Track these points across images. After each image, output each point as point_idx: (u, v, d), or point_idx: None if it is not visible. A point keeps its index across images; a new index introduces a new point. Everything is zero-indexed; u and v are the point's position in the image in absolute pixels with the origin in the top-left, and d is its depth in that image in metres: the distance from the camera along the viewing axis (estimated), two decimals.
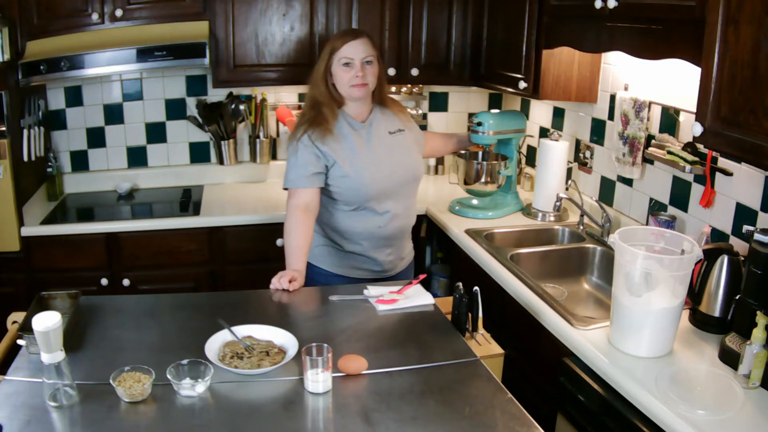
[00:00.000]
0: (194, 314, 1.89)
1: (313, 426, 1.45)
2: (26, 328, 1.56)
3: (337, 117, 2.25)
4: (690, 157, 2.15)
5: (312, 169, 2.20)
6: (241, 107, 3.33)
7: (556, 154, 2.74)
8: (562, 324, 1.89)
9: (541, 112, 3.23)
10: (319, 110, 2.23)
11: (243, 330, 1.72)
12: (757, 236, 1.65)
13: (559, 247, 2.57)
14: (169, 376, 1.48)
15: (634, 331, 1.69)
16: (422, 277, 2.08)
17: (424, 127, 3.63)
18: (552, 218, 2.80)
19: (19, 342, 1.64)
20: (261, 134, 3.40)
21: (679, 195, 2.31)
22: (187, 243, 2.92)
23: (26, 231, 2.75)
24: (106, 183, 3.33)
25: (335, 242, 2.34)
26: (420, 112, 3.57)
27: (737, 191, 2.04)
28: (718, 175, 2.10)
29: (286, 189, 2.26)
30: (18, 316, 1.80)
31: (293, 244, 2.18)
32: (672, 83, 2.29)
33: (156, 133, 3.38)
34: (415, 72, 3.12)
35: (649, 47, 1.95)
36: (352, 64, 2.18)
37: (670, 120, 2.33)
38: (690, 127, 1.76)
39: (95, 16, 2.80)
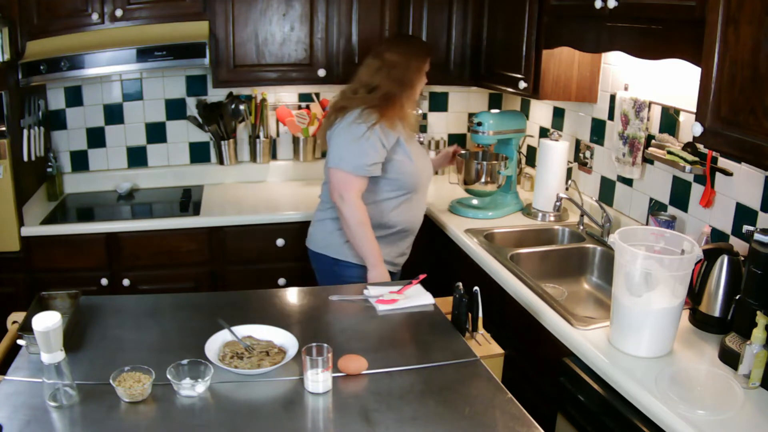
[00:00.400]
0: (194, 314, 1.89)
1: (313, 426, 1.45)
2: (26, 328, 1.56)
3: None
4: (690, 157, 2.15)
5: (377, 158, 2.31)
6: (241, 107, 3.33)
7: (556, 154, 2.74)
8: (562, 324, 1.89)
9: (541, 112, 3.23)
10: (392, 103, 2.34)
11: (243, 330, 1.72)
12: (757, 236, 1.65)
13: (559, 247, 2.56)
14: (169, 376, 1.48)
15: (634, 331, 1.69)
16: (422, 277, 2.08)
17: (424, 128, 3.64)
18: (552, 218, 2.80)
19: (19, 342, 1.64)
20: (261, 134, 3.41)
21: (679, 195, 2.31)
22: (187, 243, 2.92)
23: (26, 231, 2.75)
24: (106, 183, 3.33)
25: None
26: (420, 112, 3.57)
27: (737, 191, 2.04)
28: (718, 175, 2.10)
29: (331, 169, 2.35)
30: (18, 316, 1.80)
31: (377, 243, 2.35)
32: (672, 83, 2.29)
33: (156, 133, 3.38)
34: None
35: (649, 47, 1.95)
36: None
37: (670, 120, 2.33)
38: (690, 127, 1.76)
39: (95, 16, 2.80)
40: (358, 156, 2.28)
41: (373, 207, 2.39)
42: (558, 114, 3.07)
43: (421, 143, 3.44)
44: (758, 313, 1.54)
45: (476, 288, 1.88)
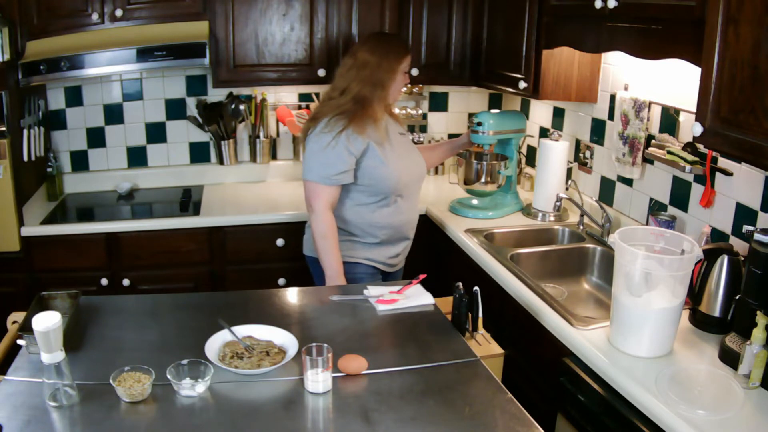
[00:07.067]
0: (194, 314, 1.89)
1: (313, 426, 1.45)
2: (26, 328, 1.56)
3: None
4: (690, 157, 2.15)
5: (344, 166, 2.27)
6: (241, 107, 3.33)
7: (556, 154, 2.74)
8: (562, 324, 1.89)
9: (541, 112, 3.23)
10: (363, 105, 2.29)
11: (243, 330, 1.72)
12: (757, 236, 1.65)
13: (559, 247, 2.56)
14: (169, 376, 1.48)
15: (634, 331, 1.69)
16: (422, 277, 2.08)
17: (424, 128, 3.65)
18: (552, 218, 2.80)
19: (19, 342, 1.64)
20: (261, 134, 3.41)
21: (679, 195, 2.31)
22: (187, 243, 2.92)
23: (26, 231, 2.75)
24: (106, 183, 3.33)
25: (352, 233, 2.42)
26: (420, 112, 3.57)
27: (737, 191, 2.04)
28: (718, 175, 2.10)
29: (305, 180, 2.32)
30: (18, 316, 1.80)
31: (339, 257, 2.30)
32: (672, 83, 2.29)
33: (156, 133, 3.39)
34: (415, 72, 3.11)
35: (649, 47, 1.95)
36: (408, 72, 2.42)
37: (670, 120, 2.33)
38: (690, 127, 1.76)
39: (95, 16, 2.80)
40: (325, 166, 2.26)
41: (354, 212, 2.38)
42: (558, 114, 3.07)
43: (420, 142, 3.43)
44: (758, 313, 1.54)
45: (476, 288, 1.88)
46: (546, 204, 2.80)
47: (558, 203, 2.62)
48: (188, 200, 3.18)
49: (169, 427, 1.40)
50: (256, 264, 3.00)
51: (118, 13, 2.80)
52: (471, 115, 3.61)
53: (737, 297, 1.72)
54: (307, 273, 2.57)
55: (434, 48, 3.14)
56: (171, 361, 1.52)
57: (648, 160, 2.45)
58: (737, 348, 1.63)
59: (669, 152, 2.24)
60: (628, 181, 2.58)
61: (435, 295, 2.03)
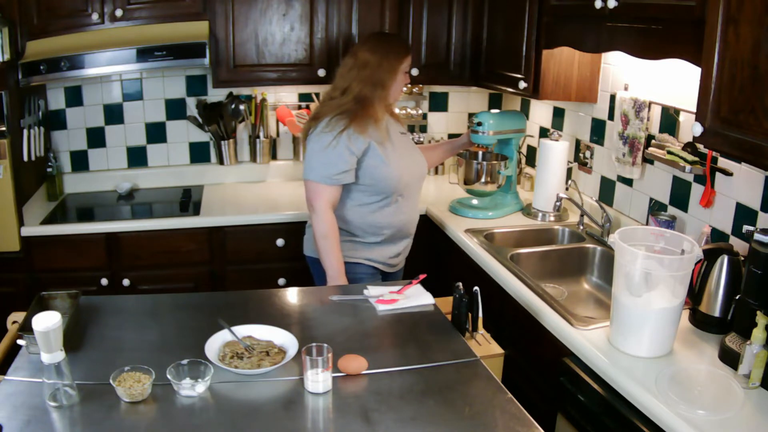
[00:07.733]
0: (194, 314, 1.89)
1: (313, 426, 1.45)
2: (26, 328, 1.56)
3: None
4: (690, 157, 2.15)
5: (345, 166, 2.28)
6: (241, 107, 3.33)
7: (556, 154, 2.74)
8: (562, 324, 1.89)
9: (541, 112, 3.23)
10: (364, 105, 2.30)
11: (243, 330, 1.73)
12: (757, 236, 1.65)
13: (559, 247, 2.56)
14: (169, 376, 1.48)
15: (634, 331, 1.69)
16: (422, 277, 2.08)
17: (424, 128, 3.65)
18: (552, 218, 2.80)
19: (19, 342, 1.64)
20: (261, 134, 3.41)
21: (679, 195, 2.31)
22: (187, 243, 2.92)
23: (26, 231, 2.75)
24: (106, 183, 3.33)
25: (353, 234, 2.42)
26: (420, 112, 3.57)
27: (737, 191, 2.04)
28: (718, 175, 2.10)
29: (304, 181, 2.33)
30: (18, 316, 1.80)
31: (340, 257, 2.30)
32: (672, 83, 2.30)
33: (156, 133, 3.39)
34: (415, 72, 3.11)
35: (649, 47, 1.95)
36: (408, 72, 2.43)
37: (670, 120, 2.33)
38: (690, 127, 1.76)
39: (95, 16, 2.80)
40: (326, 166, 2.26)
41: (355, 212, 2.38)
42: (558, 114, 3.07)
43: (420, 142, 3.44)
44: (758, 313, 1.54)
45: (476, 288, 1.88)
46: (546, 204, 2.80)
47: (558, 203, 2.62)
48: (188, 200, 3.18)
49: (169, 427, 1.40)
50: (256, 264, 3.00)
51: (118, 13, 2.80)
52: (471, 115, 3.61)
53: (737, 297, 1.72)
54: (307, 273, 2.57)
55: (434, 48, 3.14)
56: (171, 361, 1.52)
57: (648, 160, 2.44)
58: (737, 348, 1.63)
59: (669, 152, 2.24)
60: (628, 181, 2.58)
61: (435, 295, 2.03)
